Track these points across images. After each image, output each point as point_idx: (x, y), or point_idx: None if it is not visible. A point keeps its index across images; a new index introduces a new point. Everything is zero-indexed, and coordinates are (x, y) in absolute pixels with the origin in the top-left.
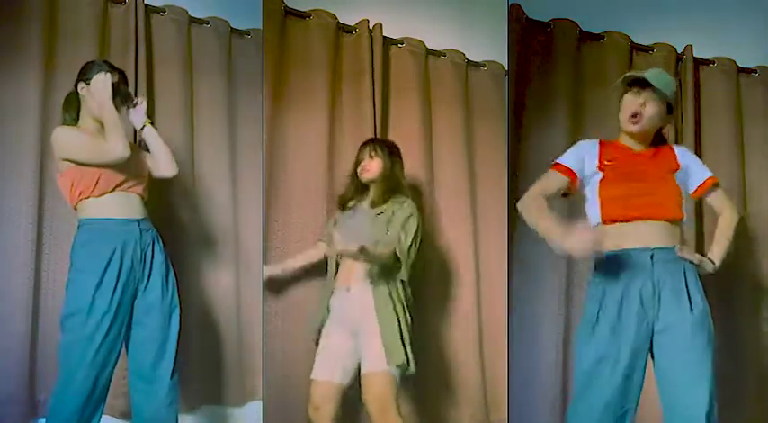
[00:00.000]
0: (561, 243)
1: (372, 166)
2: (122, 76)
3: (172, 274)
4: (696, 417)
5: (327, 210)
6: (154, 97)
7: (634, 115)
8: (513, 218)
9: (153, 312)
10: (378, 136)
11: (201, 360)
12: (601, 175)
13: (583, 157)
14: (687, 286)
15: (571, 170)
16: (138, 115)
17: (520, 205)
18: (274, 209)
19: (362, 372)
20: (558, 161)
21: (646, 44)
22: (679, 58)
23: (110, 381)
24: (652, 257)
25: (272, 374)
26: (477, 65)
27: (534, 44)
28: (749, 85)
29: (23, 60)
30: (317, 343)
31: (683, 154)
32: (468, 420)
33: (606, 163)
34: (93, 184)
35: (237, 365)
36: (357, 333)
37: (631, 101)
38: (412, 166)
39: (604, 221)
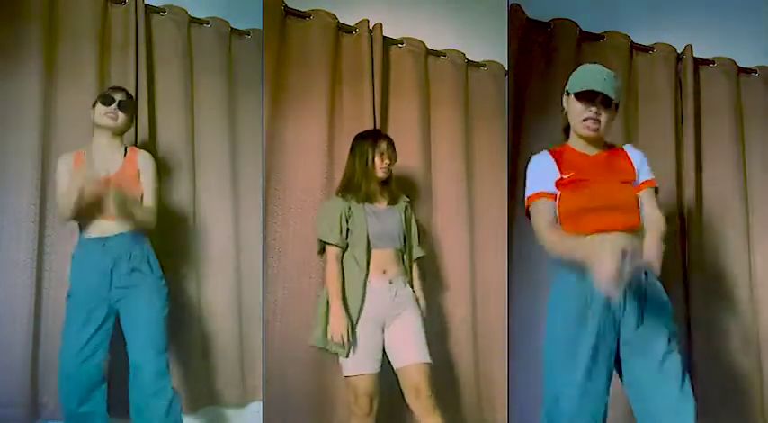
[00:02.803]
0: (593, 270)
1: (391, 164)
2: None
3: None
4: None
5: None
6: (154, 97)
7: (589, 119)
8: (513, 217)
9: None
10: None
11: (202, 361)
12: (558, 191)
13: (548, 173)
14: (646, 286)
15: (550, 193)
16: None
17: (544, 244)
18: (274, 208)
19: (403, 364)
20: (535, 191)
21: (646, 44)
22: (679, 58)
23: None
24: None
25: (272, 375)
26: (477, 65)
27: (534, 44)
28: (749, 85)
29: (23, 60)
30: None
31: (635, 156)
32: (469, 420)
33: (564, 177)
34: None
35: (238, 366)
36: (388, 325)
37: (582, 110)
38: (411, 165)
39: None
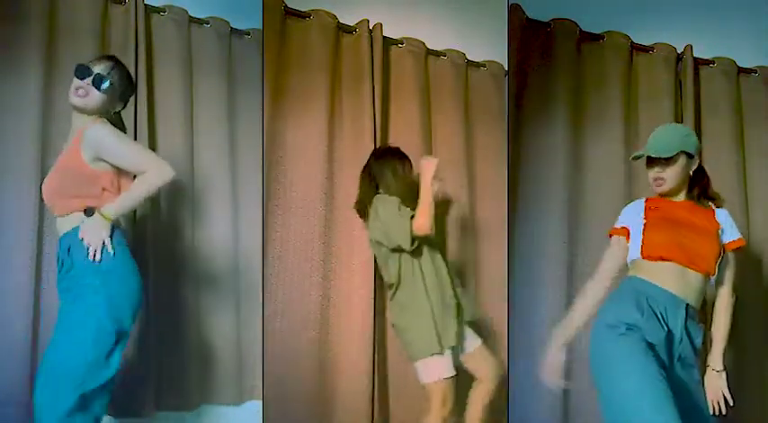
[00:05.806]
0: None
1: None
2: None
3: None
4: None
5: (326, 210)
6: (154, 97)
7: (656, 179)
8: (513, 217)
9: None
10: (377, 136)
11: (201, 359)
12: (644, 221)
13: (632, 213)
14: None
15: (624, 227)
16: None
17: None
18: (274, 209)
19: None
20: (614, 226)
21: (646, 44)
22: (679, 58)
23: None
24: (687, 309)
25: (271, 374)
26: (477, 65)
27: (534, 44)
28: (749, 85)
29: (23, 60)
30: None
31: (721, 214)
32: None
33: (651, 208)
34: None
35: (237, 365)
36: None
37: (650, 172)
38: (412, 165)
39: (644, 257)
